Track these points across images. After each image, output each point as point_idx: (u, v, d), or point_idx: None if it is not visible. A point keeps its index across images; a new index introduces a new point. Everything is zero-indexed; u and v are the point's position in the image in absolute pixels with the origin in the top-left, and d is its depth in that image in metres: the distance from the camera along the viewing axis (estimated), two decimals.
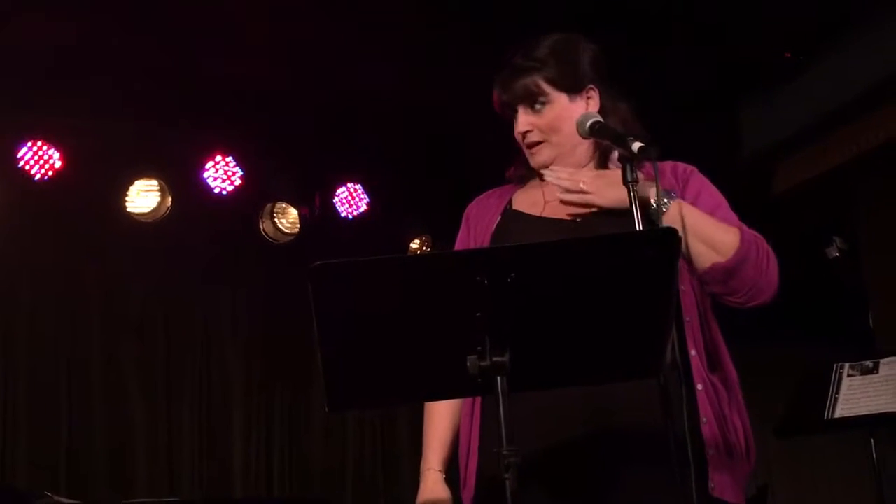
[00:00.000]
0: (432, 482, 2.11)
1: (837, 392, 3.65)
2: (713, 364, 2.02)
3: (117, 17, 4.24)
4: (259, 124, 5.03)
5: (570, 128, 2.09)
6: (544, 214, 2.12)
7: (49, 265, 5.05)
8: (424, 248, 5.55)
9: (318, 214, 5.37)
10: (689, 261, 1.96)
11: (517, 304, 1.59)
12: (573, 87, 2.11)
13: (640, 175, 1.94)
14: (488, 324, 1.59)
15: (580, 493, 1.93)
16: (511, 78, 2.11)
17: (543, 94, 2.10)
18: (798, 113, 4.98)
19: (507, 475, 1.56)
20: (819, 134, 4.97)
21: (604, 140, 2.08)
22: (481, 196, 2.29)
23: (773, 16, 4.48)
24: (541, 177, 2.16)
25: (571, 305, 1.63)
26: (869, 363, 3.66)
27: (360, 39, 4.52)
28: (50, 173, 4.77)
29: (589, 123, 2.05)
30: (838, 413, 3.61)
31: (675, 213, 1.95)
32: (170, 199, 5.00)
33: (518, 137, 2.15)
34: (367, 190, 5.45)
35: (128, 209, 4.96)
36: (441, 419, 2.15)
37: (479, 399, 2.06)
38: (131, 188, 4.95)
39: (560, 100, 2.10)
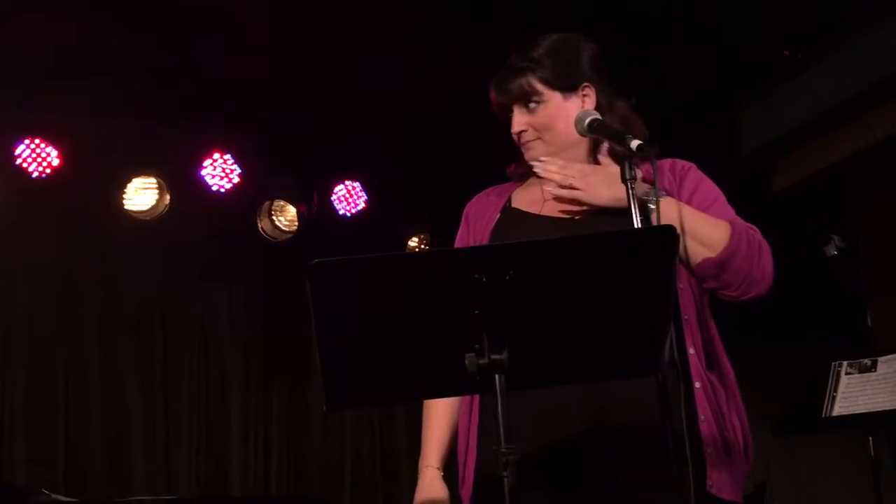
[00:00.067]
0: (430, 479, 2.11)
1: (835, 390, 3.65)
2: (711, 362, 2.02)
3: (115, 16, 4.24)
4: (257, 122, 5.02)
5: (563, 126, 2.10)
6: (543, 212, 2.13)
7: (47, 263, 5.05)
8: (423, 246, 5.55)
9: (317, 212, 5.36)
10: (681, 257, 1.97)
11: (515, 301, 1.59)
12: (567, 86, 2.12)
13: (639, 173, 1.94)
14: (486, 321, 1.59)
15: (578, 491, 1.93)
16: (506, 78, 2.13)
17: (537, 93, 2.11)
18: (797, 111, 4.97)
19: (505, 473, 1.56)
20: (818, 132, 4.97)
21: (603, 138, 2.08)
22: (481, 194, 2.30)
23: (772, 15, 4.48)
24: (536, 174, 2.17)
25: (570, 303, 1.63)
26: (867, 361, 3.66)
27: (359, 39, 4.52)
28: (48, 171, 4.77)
29: (588, 121, 2.05)
30: (836, 411, 3.61)
31: (663, 211, 1.95)
32: (168, 196, 5.00)
33: (514, 137, 2.17)
34: (365, 188, 5.45)
35: (126, 207, 4.95)
36: (439, 417, 2.16)
37: (477, 397, 2.06)
38: (129, 186, 4.95)
39: (554, 99, 2.11)
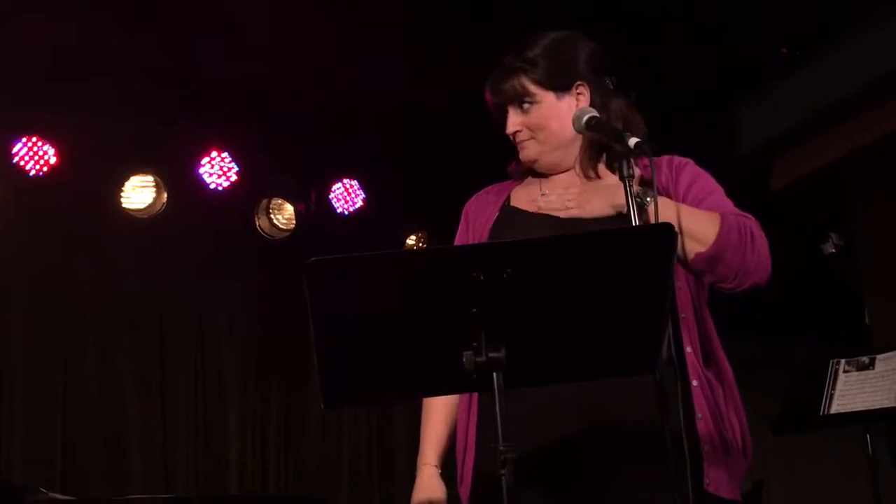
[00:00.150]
0: (428, 477, 2.12)
1: (833, 388, 3.66)
2: (708, 360, 2.02)
3: (113, 15, 4.23)
4: (255, 120, 5.02)
5: (557, 126, 2.12)
6: (542, 211, 2.13)
7: (44, 261, 5.04)
8: (420, 244, 5.55)
9: (314, 210, 5.36)
10: (678, 255, 1.97)
11: (513, 299, 1.59)
12: (561, 86, 2.13)
13: (637, 171, 1.94)
14: (484, 320, 1.59)
15: (576, 489, 1.93)
16: (499, 79, 2.15)
17: (530, 94, 2.12)
18: (795, 109, 4.98)
19: (503, 471, 1.56)
20: (816, 130, 4.97)
21: (601, 135, 2.08)
22: (480, 192, 2.31)
23: (770, 14, 4.48)
24: (531, 173, 2.19)
25: (567, 301, 1.63)
26: (865, 359, 3.67)
27: (357, 39, 4.52)
28: (45, 169, 4.76)
29: (585, 119, 2.05)
30: (834, 409, 3.62)
31: (659, 209, 1.95)
32: (165, 194, 4.99)
33: (510, 136, 2.17)
34: (363, 186, 5.45)
35: (123, 205, 4.95)
36: (438, 415, 2.16)
37: (476, 395, 2.06)
38: (127, 184, 4.94)
39: (547, 99, 2.12)
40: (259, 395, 5.49)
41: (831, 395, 3.65)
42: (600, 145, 2.13)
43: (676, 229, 1.91)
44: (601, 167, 2.14)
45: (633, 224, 1.86)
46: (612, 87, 2.17)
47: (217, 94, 4.74)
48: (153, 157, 4.99)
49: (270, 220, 5.27)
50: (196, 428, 5.26)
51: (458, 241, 2.25)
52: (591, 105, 2.12)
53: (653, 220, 1.90)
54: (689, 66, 4.72)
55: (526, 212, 2.16)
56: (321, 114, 4.97)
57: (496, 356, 1.59)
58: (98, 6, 4.14)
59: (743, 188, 2.30)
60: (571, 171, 2.17)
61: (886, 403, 3.51)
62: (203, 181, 5.10)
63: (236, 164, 5.13)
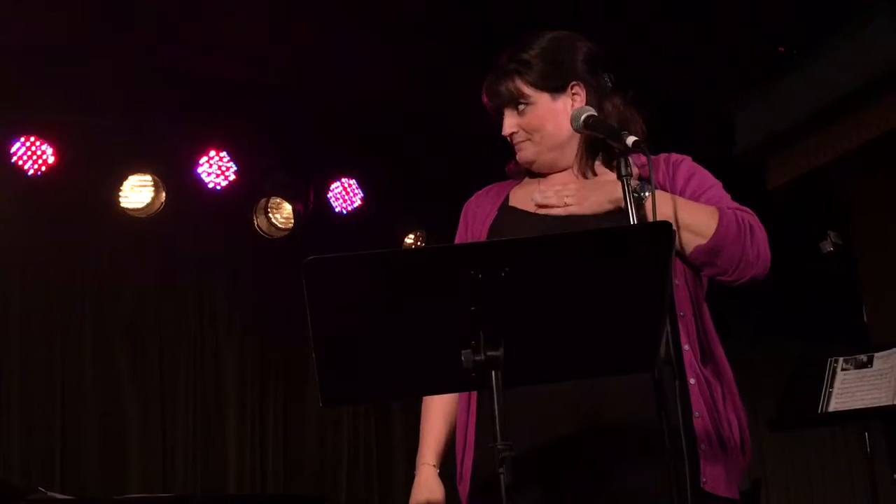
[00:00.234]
0: (426, 477, 2.12)
1: (831, 386, 3.66)
2: (706, 358, 2.02)
3: (112, 14, 4.23)
4: (253, 119, 5.02)
5: (552, 126, 2.13)
6: (540, 210, 2.13)
7: (42, 261, 5.04)
8: (419, 243, 5.55)
9: (313, 209, 5.36)
10: (676, 249, 1.97)
11: (511, 298, 1.59)
12: (556, 87, 2.13)
13: (635, 169, 1.94)
14: (482, 318, 1.59)
15: (574, 487, 1.93)
16: (495, 81, 2.16)
17: (524, 96, 2.13)
18: (792, 108, 4.98)
19: (501, 469, 1.56)
20: (813, 129, 4.98)
21: (598, 134, 2.08)
22: (479, 192, 2.32)
23: (767, 13, 4.49)
24: (530, 173, 2.20)
25: (566, 300, 1.63)
26: (863, 357, 3.67)
27: (357, 39, 4.52)
28: (43, 169, 4.76)
29: (583, 118, 2.05)
30: (832, 407, 3.62)
31: (657, 204, 1.95)
32: (164, 194, 4.98)
33: (506, 138, 2.18)
34: (361, 185, 5.45)
35: (121, 204, 4.95)
36: (438, 414, 2.16)
37: (475, 394, 2.06)
38: (125, 183, 4.94)
39: (542, 100, 2.13)
40: (258, 393, 5.49)
41: (829, 394, 3.65)
42: (598, 144, 2.13)
43: (674, 223, 1.92)
44: (598, 165, 2.15)
45: (631, 221, 1.86)
46: (609, 85, 2.18)
47: (215, 93, 4.74)
48: (151, 156, 4.98)
49: (269, 219, 5.27)
50: (195, 427, 5.26)
51: (457, 241, 2.25)
52: (588, 104, 2.12)
53: (651, 215, 1.91)
54: (687, 65, 4.72)
55: (524, 211, 2.16)
56: (319, 113, 4.97)
57: (494, 354, 1.59)
58: (94, 4, 4.14)
59: (740, 187, 2.30)
60: (569, 171, 2.17)
61: (884, 401, 3.51)
62: (201, 180, 5.09)
63: (235, 163, 5.13)
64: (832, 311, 6.20)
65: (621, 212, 1.91)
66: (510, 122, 2.15)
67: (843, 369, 3.68)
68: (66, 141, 4.81)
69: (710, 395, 1.99)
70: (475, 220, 2.23)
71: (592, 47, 2.18)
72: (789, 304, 6.28)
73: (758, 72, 4.98)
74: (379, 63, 4.69)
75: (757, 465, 6.55)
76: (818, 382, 3.69)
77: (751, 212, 2.04)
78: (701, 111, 5.16)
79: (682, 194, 2.05)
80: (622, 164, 1.91)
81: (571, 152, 2.16)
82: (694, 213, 1.99)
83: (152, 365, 5.25)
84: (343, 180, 5.43)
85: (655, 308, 1.65)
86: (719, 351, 2.05)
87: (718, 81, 4.98)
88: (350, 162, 5.43)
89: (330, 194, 5.41)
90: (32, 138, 4.75)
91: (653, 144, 1.98)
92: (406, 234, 5.57)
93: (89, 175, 4.88)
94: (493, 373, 1.59)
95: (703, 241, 1.97)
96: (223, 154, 5.12)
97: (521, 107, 2.13)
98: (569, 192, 2.07)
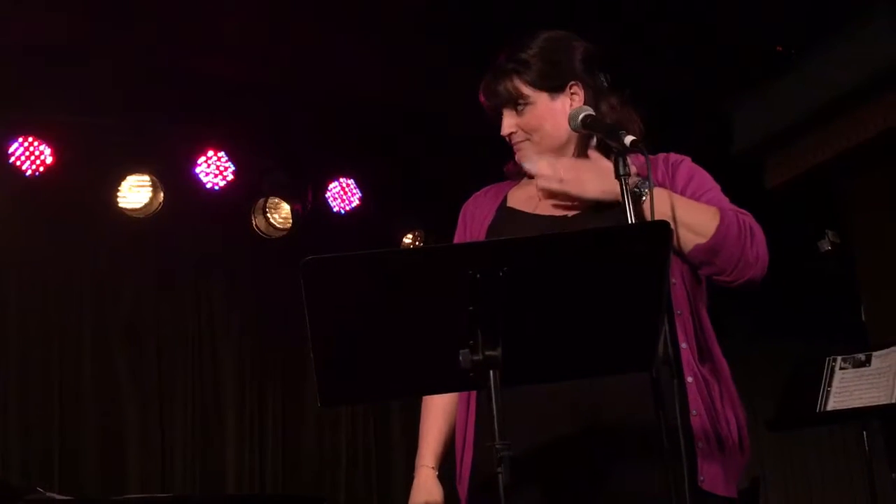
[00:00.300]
0: (424, 479, 2.12)
1: (830, 385, 3.66)
2: (704, 357, 2.02)
3: (110, 14, 4.23)
4: (251, 119, 5.02)
5: (551, 126, 2.12)
6: (538, 211, 2.13)
7: (40, 261, 5.04)
8: (417, 243, 5.55)
9: (311, 209, 5.36)
10: (674, 247, 1.97)
11: (509, 298, 1.59)
12: (554, 87, 2.12)
13: (633, 168, 1.94)
14: (480, 318, 1.59)
15: (573, 487, 1.94)
16: (493, 81, 2.15)
17: (523, 96, 2.12)
18: (790, 107, 4.98)
19: (499, 469, 1.56)
20: (811, 128, 4.98)
21: (596, 133, 2.08)
22: (478, 193, 2.31)
23: (765, 12, 4.49)
24: (527, 175, 2.19)
25: (564, 299, 1.63)
26: (861, 356, 3.67)
27: (356, 39, 4.52)
28: (41, 169, 4.76)
29: (581, 117, 2.05)
30: (831, 406, 3.62)
31: (654, 203, 1.95)
32: (162, 194, 4.98)
33: (505, 138, 2.18)
34: (359, 185, 5.45)
35: (119, 205, 4.95)
36: (437, 416, 2.16)
37: (474, 394, 2.06)
38: (123, 184, 4.94)
39: (541, 100, 2.12)
40: (256, 394, 5.49)
41: (828, 393, 3.65)
42: (596, 144, 2.13)
43: (673, 222, 1.92)
44: (592, 151, 2.14)
45: (629, 219, 1.86)
46: (606, 85, 2.18)
47: (213, 93, 4.74)
48: (149, 156, 4.98)
49: (267, 219, 5.27)
50: (193, 427, 5.26)
51: (455, 243, 2.25)
52: (586, 104, 2.12)
53: (649, 213, 1.91)
54: (684, 64, 4.72)
55: (523, 212, 2.16)
56: (318, 113, 4.97)
57: (492, 354, 1.59)
58: (92, 4, 4.14)
59: (738, 186, 2.30)
60: None
61: (882, 400, 3.51)
62: (199, 181, 5.09)
63: (233, 163, 5.13)
64: (830, 310, 6.21)
65: (618, 207, 1.91)
66: (509, 123, 2.15)
67: (841, 368, 3.68)
68: (64, 141, 4.80)
69: (707, 393, 1.99)
70: (473, 221, 2.23)
71: (589, 47, 2.18)
72: (787, 303, 6.28)
73: (756, 71, 4.98)
74: (379, 63, 4.69)
75: (755, 464, 6.55)
76: (816, 382, 3.69)
77: (749, 214, 2.04)
78: (699, 111, 5.17)
79: (682, 195, 2.05)
80: (620, 163, 1.91)
81: (570, 152, 2.15)
82: (694, 213, 1.99)
83: (151, 365, 5.24)
84: (341, 180, 5.43)
85: (653, 307, 1.65)
86: (717, 349, 2.05)
87: (716, 81, 4.98)
88: (348, 162, 5.43)
89: (328, 194, 5.41)
90: (30, 139, 4.74)
91: (651, 144, 1.98)
92: (404, 234, 5.57)
93: (87, 175, 4.88)
94: (491, 372, 1.59)
95: (703, 241, 1.97)
96: (221, 154, 5.12)
97: (520, 107, 2.13)
98: (563, 167, 2.06)
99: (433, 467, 2.13)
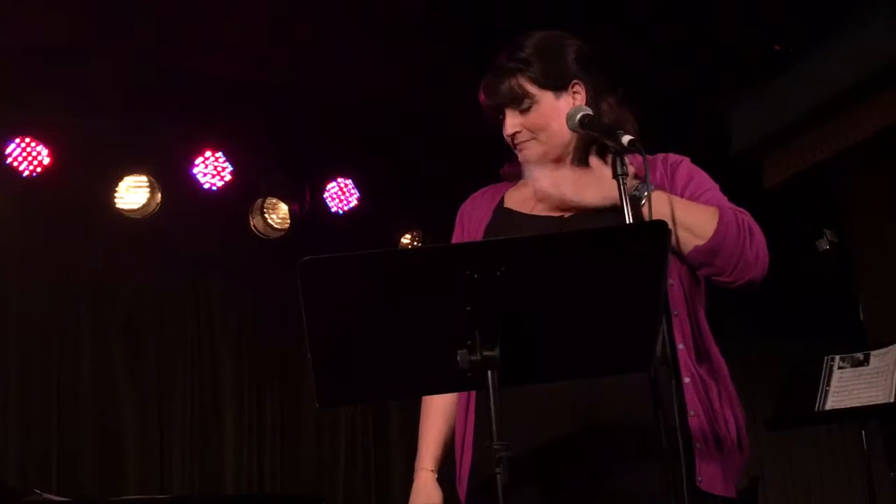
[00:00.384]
0: (423, 481, 2.11)
1: (828, 384, 3.66)
2: (702, 357, 2.02)
3: (108, 15, 4.23)
4: (249, 119, 5.02)
5: (557, 124, 2.10)
6: (535, 212, 2.13)
7: (38, 261, 5.03)
8: (415, 243, 5.55)
9: (309, 210, 5.36)
10: (673, 248, 1.97)
11: (507, 298, 1.58)
12: (558, 85, 2.12)
13: (631, 168, 1.94)
14: (478, 318, 1.59)
15: (572, 487, 1.93)
16: (495, 81, 2.13)
17: (529, 95, 2.11)
18: (788, 107, 4.99)
19: (498, 469, 1.56)
20: (809, 127, 4.98)
21: (594, 133, 2.08)
22: (475, 194, 2.31)
23: (763, 12, 4.49)
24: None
25: (561, 299, 1.63)
26: (859, 355, 3.67)
27: (355, 39, 4.52)
28: (38, 170, 4.75)
29: (579, 117, 2.05)
30: (829, 405, 3.62)
31: (653, 205, 1.95)
32: (159, 195, 4.98)
33: (507, 139, 2.16)
34: (357, 185, 5.44)
35: (117, 205, 4.94)
36: (436, 417, 2.16)
37: (473, 394, 2.06)
38: (120, 184, 4.94)
39: (546, 98, 2.11)
40: (254, 394, 5.48)
41: (826, 392, 3.66)
42: (593, 143, 2.12)
43: (672, 223, 1.92)
44: (592, 158, 2.14)
45: (627, 220, 1.86)
46: (603, 84, 2.17)
47: (212, 93, 4.73)
48: (147, 157, 4.98)
49: (265, 219, 5.27)
50: (192, 427, 5.26)
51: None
52: (587, 103, 2.12)
53: (654, 215, 1.90)
54: (682, 64, 4.72)
55: (520, 213, 2.16)
56: (317, 113, 4.97)
57: (490, 354, 1.59)
58: (90, 4, 4.14)
59: (736, 186, 2.30)
60: None
61: (881, 399, 3.52)
62: (197, 181, 5.09)
63: (230, 163, 5.13)
64: (829, 310, 6.21)
65: (617, 212, 1.91)
66: (513, 122, 2.12)
67: (839, 368, 3.68)
68: (61, 142, 4.80)
69: (705, 393, 1.98)
70: (471, 222, 2.22)
71: (583, 46, 2.17)
72: (786, 303, 6.28)
73: (754, 70, 4.98)
74: (379, 63, 4.69)
75: (754, 463, 6.56)
76: (815, 381, 3.69)
77: (748, 214, 2.03)
78: (697, 110, 5.17)
79: (681, 195, 2.05)
80: (618, 163, 1.91)
81: (572, 152, 2.15)
82: (692, 213, 1.99)
83: (149, 365, 5.24)
84: (339, 180, 5.42)
85: (651, 307, 1.65)
86: (714, 350, 2.04)
87: (714, 80, 4.98)
88: (346, 162, 5.43)
89: (326, 194, 5.40)
90: (27, 139, 4.74)
91: (648, 144, 1.98)
92: (402, 234, 5.57)
93: (85, 176, 4.88)
94: (489, 373, 1.59)
95: (702, 242, 1.97)
96: (219, 154, 5.12)
97: (525, 106, 2.11)
98: (566, 183, 2.05)
99: (432, 470, 2.12)
